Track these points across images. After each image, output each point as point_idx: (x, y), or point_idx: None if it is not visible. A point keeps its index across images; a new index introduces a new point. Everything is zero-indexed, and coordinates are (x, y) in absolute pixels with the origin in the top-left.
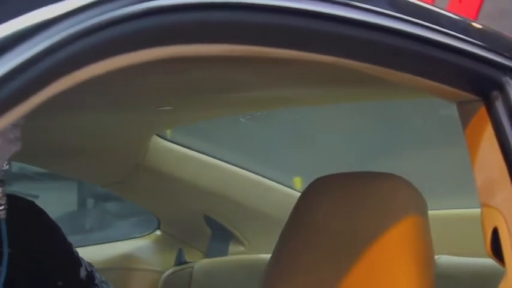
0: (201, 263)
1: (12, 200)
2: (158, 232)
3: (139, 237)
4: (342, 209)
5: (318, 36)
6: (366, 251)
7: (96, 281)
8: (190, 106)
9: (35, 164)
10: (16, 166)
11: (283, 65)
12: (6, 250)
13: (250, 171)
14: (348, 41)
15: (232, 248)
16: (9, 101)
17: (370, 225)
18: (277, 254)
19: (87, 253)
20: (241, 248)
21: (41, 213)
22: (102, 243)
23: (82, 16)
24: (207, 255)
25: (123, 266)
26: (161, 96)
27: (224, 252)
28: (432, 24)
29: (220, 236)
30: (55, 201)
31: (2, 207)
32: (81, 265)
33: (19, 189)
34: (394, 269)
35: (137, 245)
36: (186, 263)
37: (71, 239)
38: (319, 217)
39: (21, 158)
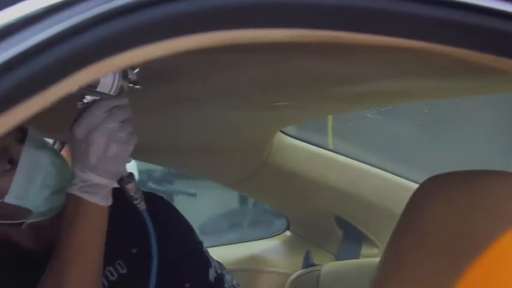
0: (329, 266)
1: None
2: (288, 233)
3: (269, 237)
4: (454, 210)
5: (406, 19)
6: (481, 256)
7: (226, 285)
8: (307, 101)
9: (162, 164)
10: None
11: (380, 54)
12: (154, 244)
13: (382, 169)
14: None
15: (365, 250)
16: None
17: (486, 228)
18: (384, 256)
19: (219, 253)
20: (375, 250)
21: (171, 210)
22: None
23: None
24: (338, 257)
25: (252, 267)
26: (272, 91)
27: (356, 255)
28: None
29: (352, 238)
30: (217, 200)
31: (139, 200)
32: (210, 266)
33: (180, 187)
34: None
35: (267, 246)
36: (313, 265)
37: (230, 235)
38: (430, 218)
39: (148, 158)
